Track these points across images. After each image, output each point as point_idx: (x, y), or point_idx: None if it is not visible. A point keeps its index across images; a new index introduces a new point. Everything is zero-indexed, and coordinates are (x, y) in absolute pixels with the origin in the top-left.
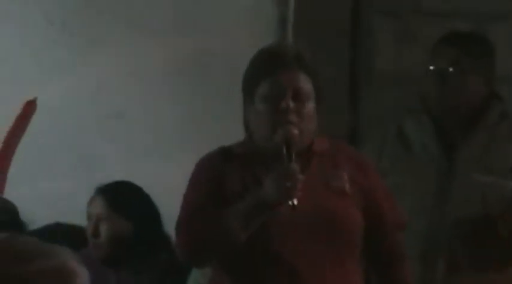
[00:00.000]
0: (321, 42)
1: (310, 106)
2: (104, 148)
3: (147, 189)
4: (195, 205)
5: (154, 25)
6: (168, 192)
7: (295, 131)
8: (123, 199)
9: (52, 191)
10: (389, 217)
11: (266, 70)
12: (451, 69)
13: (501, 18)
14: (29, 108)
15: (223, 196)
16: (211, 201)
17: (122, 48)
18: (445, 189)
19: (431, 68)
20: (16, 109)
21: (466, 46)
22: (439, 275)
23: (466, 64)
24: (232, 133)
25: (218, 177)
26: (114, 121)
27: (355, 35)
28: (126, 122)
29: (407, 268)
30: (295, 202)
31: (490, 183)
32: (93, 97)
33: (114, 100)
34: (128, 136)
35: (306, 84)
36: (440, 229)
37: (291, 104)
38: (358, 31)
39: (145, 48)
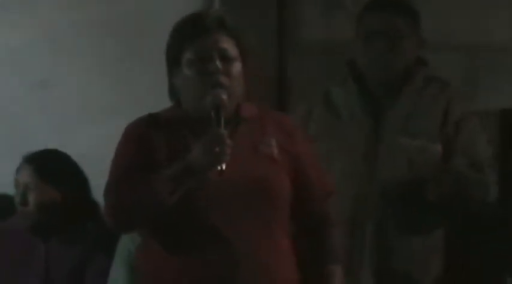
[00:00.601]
0: (248, 11)
1: (237, 66)
2: (31, 118)
3: (76, 157)
4: (123, 170)
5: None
6: (98, 159)
7: (224, 96)
8: (51, 167)
9: None
10: (316, 183)
11: (190, 35)
12: (386, 32)
13: None
14: None
15: (152, 162)
16: (139, 166)
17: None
18: (373, 153)
19: (361, 32)
20: None
21: (398, 9)
22: (368, 239)
23: (401, 27)
24: (163, 98)
25: (146, 142)
26: (40, 90)
27: (282, 3)
28: (52, 90)
29: (335, 234)
30: (223, 167)
31: (416, 146)
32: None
33: (38, 67)
34: (55, 104)
35: (230, 45)
36: (368, 194)
37: (220, 66)
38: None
39: (71, 9)
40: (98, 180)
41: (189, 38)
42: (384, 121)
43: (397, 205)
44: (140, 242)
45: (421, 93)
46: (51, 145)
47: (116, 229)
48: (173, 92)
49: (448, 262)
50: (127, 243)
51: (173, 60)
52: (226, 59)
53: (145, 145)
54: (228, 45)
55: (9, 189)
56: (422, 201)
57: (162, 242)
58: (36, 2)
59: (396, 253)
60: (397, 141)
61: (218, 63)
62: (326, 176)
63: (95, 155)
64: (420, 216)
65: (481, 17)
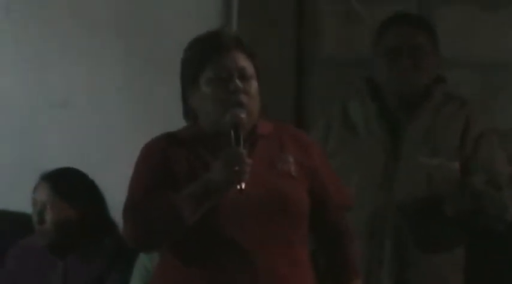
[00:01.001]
0: (267, 24)
1: (255, 85)
2: (49, 137)
3: (93, 176)
4: (142, 190)
5: (97, 9)
6: (115, 179)
7: (243, 115)
8: (68, 185)
9: None
10: (334, 197)
11: (208, 54)
12: (410, 49)
13: (444, 3)
14: None
15: (170, 181)
16: (157, 185)
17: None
18: (391, 170)
19: (383, 48)
20: None
21: (420, 26)
22: (386, 255)
23: (423, 43)
24: (180, 120)
25: (164, 162)
26: (59, 110)
27: (301, 17)
28: (71, 111)
29: (353, 248)
30: (243, 186)
31: (435, 165)
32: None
33: (57, 88)
34: (73, 124)
35: (247, 63)
36: (387, 210)
37: (240, 85)
38: (304, 14)
39: (90, 33)
40: (115, 198)
41: (207, 57)
42: (403, 138)
43: (416, 221)
44: (159, 260)
45: (440, 110)
46: (69, 163)
47: (137, 248)
48: (188, 113)
49: (468, 280)
50: (145, 261)
51: (191, 79)
52: (244, 77)
53: (164, 163)
54: (246, 64)
55: (28, 208)
56: (441, 217)
57: (180, 258)
58: (56, 21)
59: (415, 268)
60: (416, 160)
61: (238, 82)
62: (344, 189)
63: (113, 174)
64: (439, 232)
65: (497, 34)
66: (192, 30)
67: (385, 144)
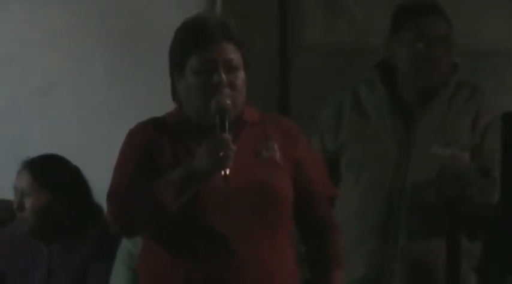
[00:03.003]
0: (250, 13)
1: (241, 76)
2: (30, 126)
3: (78, 163)
4: (126, 175)
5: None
6: (98, 166)
7: (229, 101)
8: (49, 172)
9: None
10: (318, 187)
11: (194, 43)
12: (442, 38)
13: None
14: None
15: (155, 166)
16: (142, 170)
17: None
18: (405, 161)
19: (410, 37)
20: None
21: (442, 13)
22: (400, 247)
23: (448, 33)
24: (163, 106)
25: (149, 147)
26: (41, 97)
27: (285, 6)
28: (53, 96)
29: (337, 239)
30: (228, 171)
31: (448, 155)
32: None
33: (40, 75)
34: (56, 110)
35: (234, 54)
36: (401, 202)
37: (224, 77)
38: (287, 3)
39: (71, 20)
40: (100, 184)
41: (193, 46)
42: (417, 129)
43: (428, 213)
44: (142, 245)
45: (453, 99)
46: (51, 151)
47: (120, 233)
48: (175, 93)
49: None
50: (128, 246)
51: (177, 66)
52: (230, 68)
53: (150, 150)
54: (233, 55)
55: (11, 195)
56: (454, 209)
57: (164, 247)
58: (38, 8)
59: (427, 258)
60: (429, 150)
61: (222, 74)
62: (329, 180)
63: (97, 159)
64: (452, 225)
65: (478, 22)
66: (175, 18)
67: (398, 133)
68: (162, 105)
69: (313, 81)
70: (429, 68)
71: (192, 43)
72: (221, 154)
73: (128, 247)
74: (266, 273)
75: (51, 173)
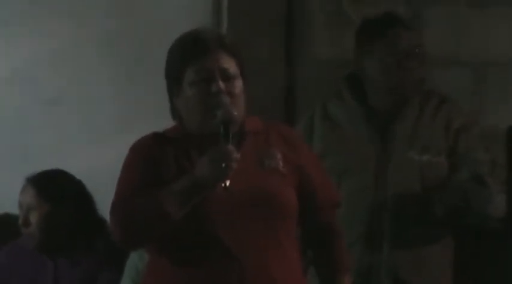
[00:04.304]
0: (256, 25)
1: (238, 84)
2: (38, 136)
3: (81, 177)
4: (129, 188)
5: (85, 8)
6: (105, 177)
7: (235, 112)
8: (53, 186)
9: None
10: (322, 195)
11: (190, 56)
12: (417, 49)
13: (433, 2)
14: None
15: (158, 179)
16: (145, 183)
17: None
18: (383, 170)
19: (384, 49)
20: None
21: (415, 26)
22: (384, 256)
23: (419, 44)
24: (168, 118)
25: (152, 160)
26: (49, 108)
27: (291, 16)
28: (61, 109)
29: (341, 244)
30: (227, 183)
31: (425, 161)
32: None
33: (47, 86)
34: (64, 123)
35: (231, 64)
36: (383, 211)
37: (222, 86)
38: (294, 13)
39: (80, 31)
40: (105, 197)
41: (189, 59)
42: (392, 137)
43: (411, 220)
44: (148, 259)
45: (423, 107)
46: (58, 164)
47: (123, 246)
48: (175, 111)
49: (458, 276)
50: (135, 261)
51: (174, 80)
52: (227, 78)
53: (153, 162)
54: (229, 64)
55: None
56: (432, 214)
57: (168, 257)
58: (45, 20)
59: (410, 266)
60: (406, 157)
61: (220, 83)
62: (332, 187)
63: (103, 173)
64: (432, 230)
65: (487, 33)
66: (182, 30)
67: (374, 143)
68: (167, 118)
69: (319, 91)
70: (401, 80)
71: (187, 55)
72: (223, 165)
73: (135, 262)
74: (271, 279)
75: (55, 187)
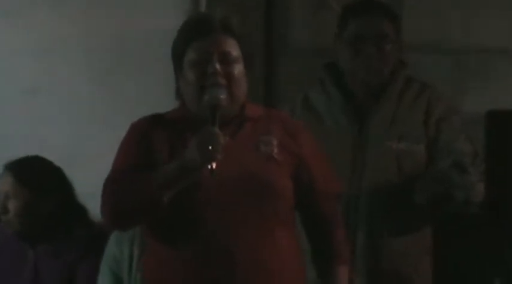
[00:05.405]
0: (235, 12)
1: (239, 68)
2: (21, 125)
3: (61, 163)
4: (122, 167)
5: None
6: (86, 167)
7: (222, 95)
8: (31, 173)
9: None
10: (320, 185)
11: (191, 37)
12: (375, 37)
13: None
14: None
15: (152, 159)
16: (138, 163)
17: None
18: (360, 158)
19: (349, 36)
20: None
21: (384, 13)
22: (359, 244)
23: (388, 31)
24: (152, 108)
25: (146, 140)
26: (29, 97)
27: (271, 4)
28: (43, 99)
29: (340, 236)
30: (214, 166)
31: (402, 149)
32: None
33: (29, 76)
34: (45, 112)
35: (232, 47)
36: (358, 199)
37: (218, 67)
38: (273, 2)
39: (61, 22)
40: (85, 186)
41: (191, 40)
42: (369, 125)
43: (387, 208)
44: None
45: (403, 94)
46: (37, 152)
47: (112, 226)
48: (178, 93)
49: (437, 262)
50: (113, 249)
51: (178, 61)
52: (227, 60)
53: (146, 143)
54: (230, 47)
55: None
56: (411, 202)
57: (159, 245)
58: (26, 11)
59: (387, 255)
60: (384, 145)
61: (217, 64)
62: (332, 177)
63: (83, 161)
64: (409, 218)
65: (468, 19)
66: (161, 17)
67: (351, 133)
68: (150, 106)
69: (299, 82)
70: (369, 66)
71: (190, 34)
72: (210, 147)
73: (112, 250)
74: (262, 266)
75: (33, 174)
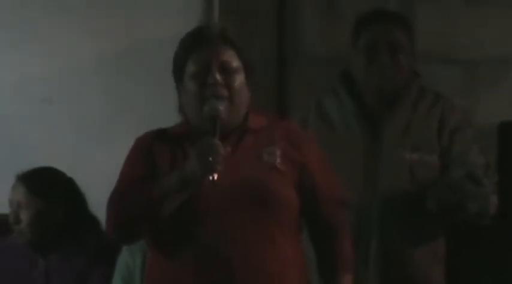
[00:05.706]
0: (248, 22)
1: (239, 79)
2: (32, 134)
3: (72, 175)
4: (126, 182)
5: (83, 11)
6: (95, 176)
7: (221, 107)
8: (43, 184)
9: None
10: (325, 192)
11: (191, 49)
12: (389, 45)
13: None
14: None
15: (155, 173)
16: (141, 177)
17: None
18: (373, 167)
19: (362, 45)
20: None
21: (397, 22)
22: (372, 254)
23: (402, 39)
24: (161, 118)
25: (150, 154)
26: (43, 107)
27: (283, 11)
28: (54, 108)
29: (345, 243)
30: (215, 177)
31: (416, 159)
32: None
33: (42, 87)
34: (56, 122)
35: (232, 57)
36: (371, 208)
37: (218, 77)
38: (284, 11)
39: (74, 34)
40: (96, 195)
41: (190, 52)
42: (383, 134)
43: (400, 217)
44: (147, 257)
45: (417, 104)
46: (51, 163)
47: (117, 240)
48: (181, 107)
49: (450, 271)
50: (126, 259)
51: (179, 74)
52: (227, 71)
53: (149, 158)
54: (229, 57)
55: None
56: (424, 211)
57: (160, 253)
58: (39, 19)
59: (400, 263)
60: (397, 155)
61: (216, 75)
62: (336, 185)
63: (93, 171)
64: (423, 227)
65: (479, 30)
66: (173, 29)
67: (364, 141)
68: (159, 116)
69: (312, 89)
70: (383, 74)
71: (190, 46)
72: (210, 159)
73: (125, 259)
74: (260, 273)
75: (45, 184)
